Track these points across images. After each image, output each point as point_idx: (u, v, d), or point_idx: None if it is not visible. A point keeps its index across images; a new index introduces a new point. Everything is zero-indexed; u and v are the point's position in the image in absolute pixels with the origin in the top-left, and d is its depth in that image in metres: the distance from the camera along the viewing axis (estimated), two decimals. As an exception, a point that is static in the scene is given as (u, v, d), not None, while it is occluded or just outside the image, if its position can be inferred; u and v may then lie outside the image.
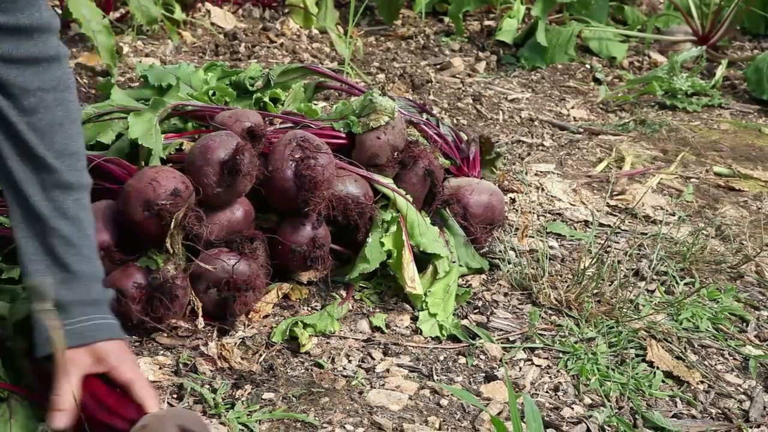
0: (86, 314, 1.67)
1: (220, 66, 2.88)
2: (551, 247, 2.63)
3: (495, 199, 2.53)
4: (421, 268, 2.31)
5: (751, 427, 1.97)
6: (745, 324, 2.39)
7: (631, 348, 2.19)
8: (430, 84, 3.89)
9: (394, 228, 2.29)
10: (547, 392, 2.03)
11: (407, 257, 2.26)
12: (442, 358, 2.12)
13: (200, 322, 2.07)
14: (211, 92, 2.64)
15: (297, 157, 2.18)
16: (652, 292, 2.47)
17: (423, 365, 2.08)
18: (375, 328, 2.20)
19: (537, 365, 2.11)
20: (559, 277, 2.46)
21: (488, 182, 2.61)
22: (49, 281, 1.63)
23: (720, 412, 2.03)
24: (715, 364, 2.20)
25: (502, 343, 2.18)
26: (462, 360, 2.12)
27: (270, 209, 2.28)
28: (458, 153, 2.66)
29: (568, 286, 2.38)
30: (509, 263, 2.48)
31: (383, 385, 1.99)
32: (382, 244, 2.27)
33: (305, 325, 2.13)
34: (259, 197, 2.22)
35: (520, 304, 2.36)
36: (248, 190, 2.16)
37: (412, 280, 2.25)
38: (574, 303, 2.33)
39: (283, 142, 2.21)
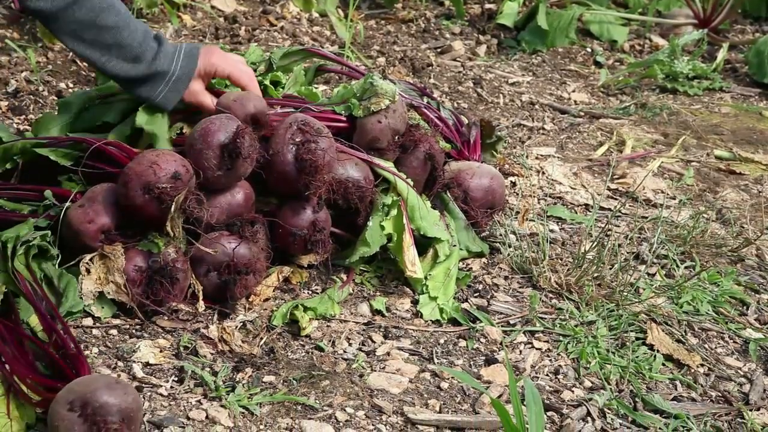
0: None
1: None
2: (552, 231, 2.63)
3: (495, 183, 2.53)
4: (422, 252, 2.31)
5: (750, 410, 1.98)
6: (745, 307, 2.39)
7: (632, 331, 2.20)
8: (430, 67, 3.88)
9: (394, 212, 2.29)
10: (547, 375, 2.04)
11: (408, 241, 2.26)
12: (442, 341, 2.12)
13: (201, 305, 2.07)
14: (211, 76, 2.63)
15: (297, 141, 2.18)
16: (653, 275, 2.47)
17: (423, 348, 2.08)
18: (375, 312, 2.20)
19: (537, 348, 2.12)
20: (560, 261, 2.46)
21: (489, 166, 2.61)
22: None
23: (720, 395, 2.03)
24: (716, 348, 2.21)
25: (502, 326, 2.18)
26: (462, 343, 2.12)
27: (270, 193, 2.27)
28: (459, 137, 2.66)
29: (568, 270, 2.38)
30: (510, 247, 2.47)
31: (383, 368, 1.99)
32: (383, 228, 2.27)
33: (306, 309, 2.13)
34: (260, 181, 2.22)
35: (520, 287, 2.36)
36: (249, 173, 2.16)
37: (413, 263, 2.25)
38: (574, 286, 2.33)
39: (283, 126, 2.20)
